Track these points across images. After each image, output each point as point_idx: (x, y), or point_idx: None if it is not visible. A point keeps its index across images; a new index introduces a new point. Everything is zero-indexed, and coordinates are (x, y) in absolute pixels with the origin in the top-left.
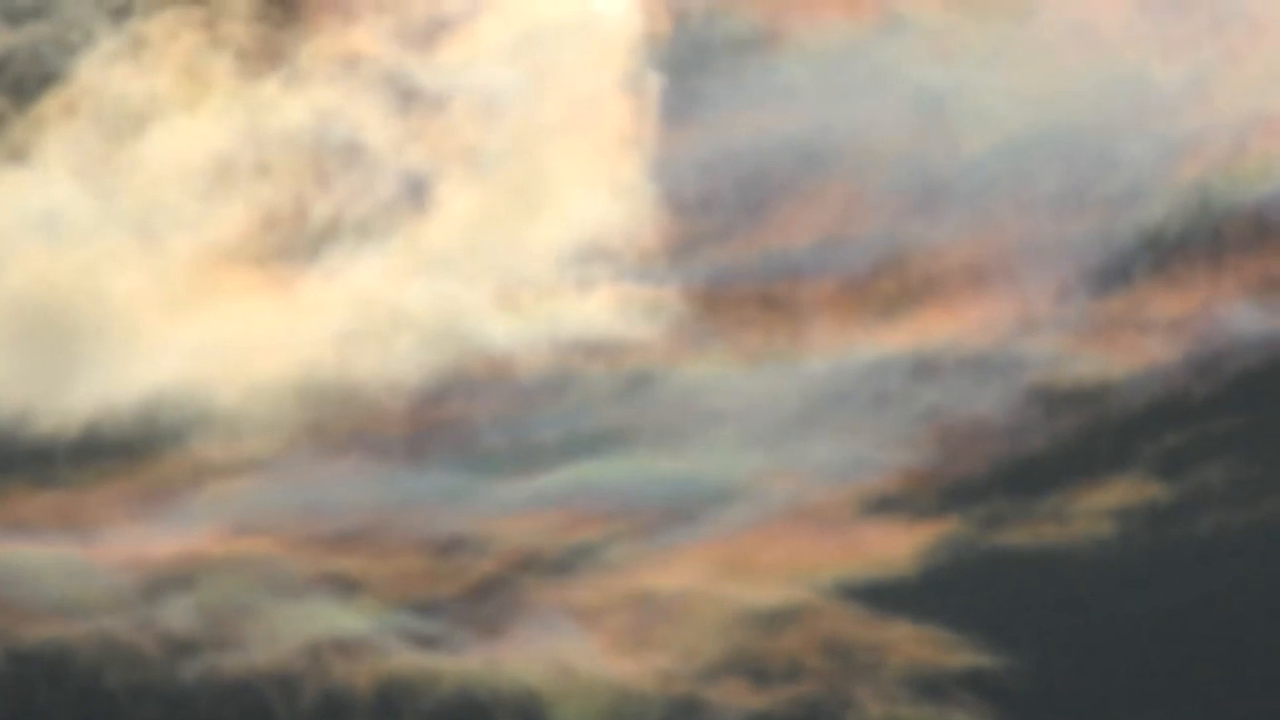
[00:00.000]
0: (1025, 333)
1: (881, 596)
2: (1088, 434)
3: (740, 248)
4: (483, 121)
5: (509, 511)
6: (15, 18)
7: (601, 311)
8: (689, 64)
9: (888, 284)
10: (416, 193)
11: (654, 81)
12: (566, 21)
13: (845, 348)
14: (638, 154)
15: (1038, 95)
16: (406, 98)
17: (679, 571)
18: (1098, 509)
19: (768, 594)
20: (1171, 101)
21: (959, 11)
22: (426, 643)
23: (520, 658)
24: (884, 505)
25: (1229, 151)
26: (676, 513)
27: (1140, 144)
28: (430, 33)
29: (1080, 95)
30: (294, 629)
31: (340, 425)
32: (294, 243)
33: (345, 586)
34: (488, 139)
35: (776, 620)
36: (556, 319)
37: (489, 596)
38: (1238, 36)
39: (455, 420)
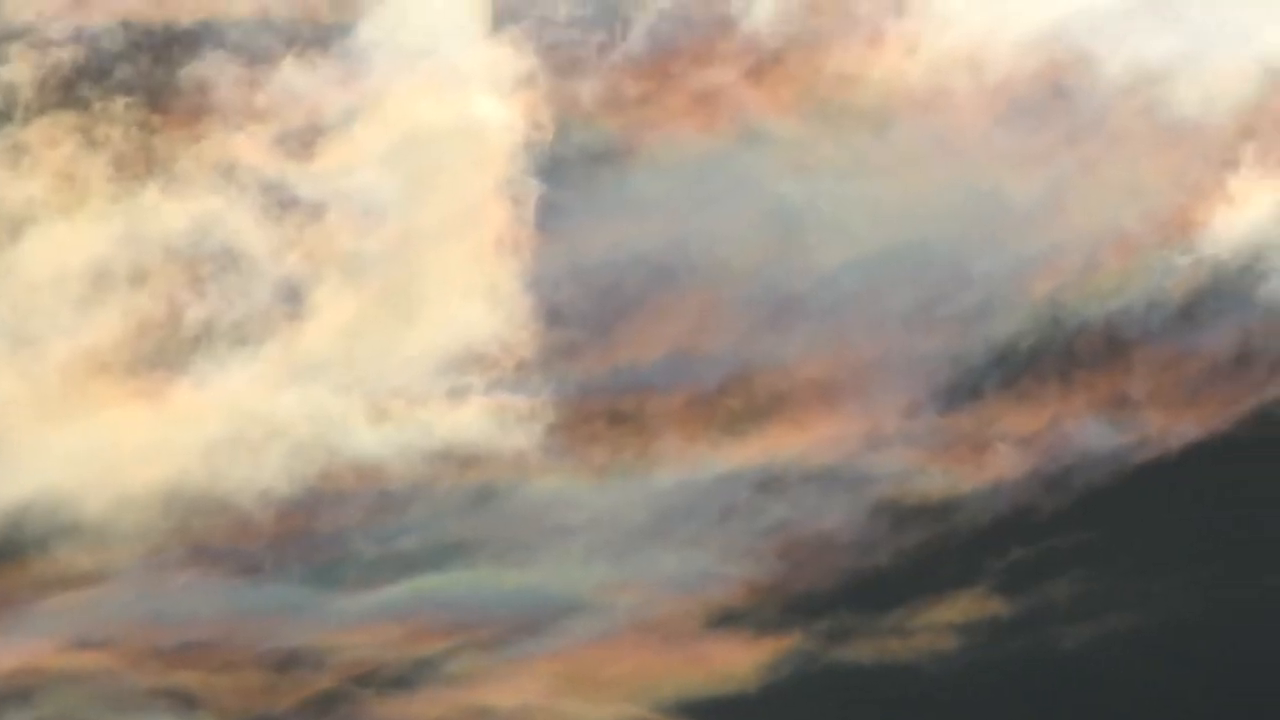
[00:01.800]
0: (873, 448)
1: (724, 713)
2: (933, 549)
3: (592, 362)
4: (360, 228)
5: (351, 624)
6: None
7: (470, 422)
8: (569, 172)
9: (737, 399)
10: (292, 300)
11: (533, 189)
12: (446, 128)
13: (693, 462)
14: (515, 263)
15: (893, 209)
16: (284, 205)
17: (521, 686)
18: (942, 624)
19: (609, 711)
20: (1026, 216)
21: (816, 124)
22: None
23: None
24: (729, 619)
25: (1082, 267)
26: (520, 626)
27: (993, 259)
28: (309, 140)
29: (935, 209)
30: None
31: (204, 536)
32: (168, 351)
33: (184, 701)
34: (364, 246)
35: None
36: (427, 429)
37: (327, 711)
38: (1094, 150)
39: (312, 531)
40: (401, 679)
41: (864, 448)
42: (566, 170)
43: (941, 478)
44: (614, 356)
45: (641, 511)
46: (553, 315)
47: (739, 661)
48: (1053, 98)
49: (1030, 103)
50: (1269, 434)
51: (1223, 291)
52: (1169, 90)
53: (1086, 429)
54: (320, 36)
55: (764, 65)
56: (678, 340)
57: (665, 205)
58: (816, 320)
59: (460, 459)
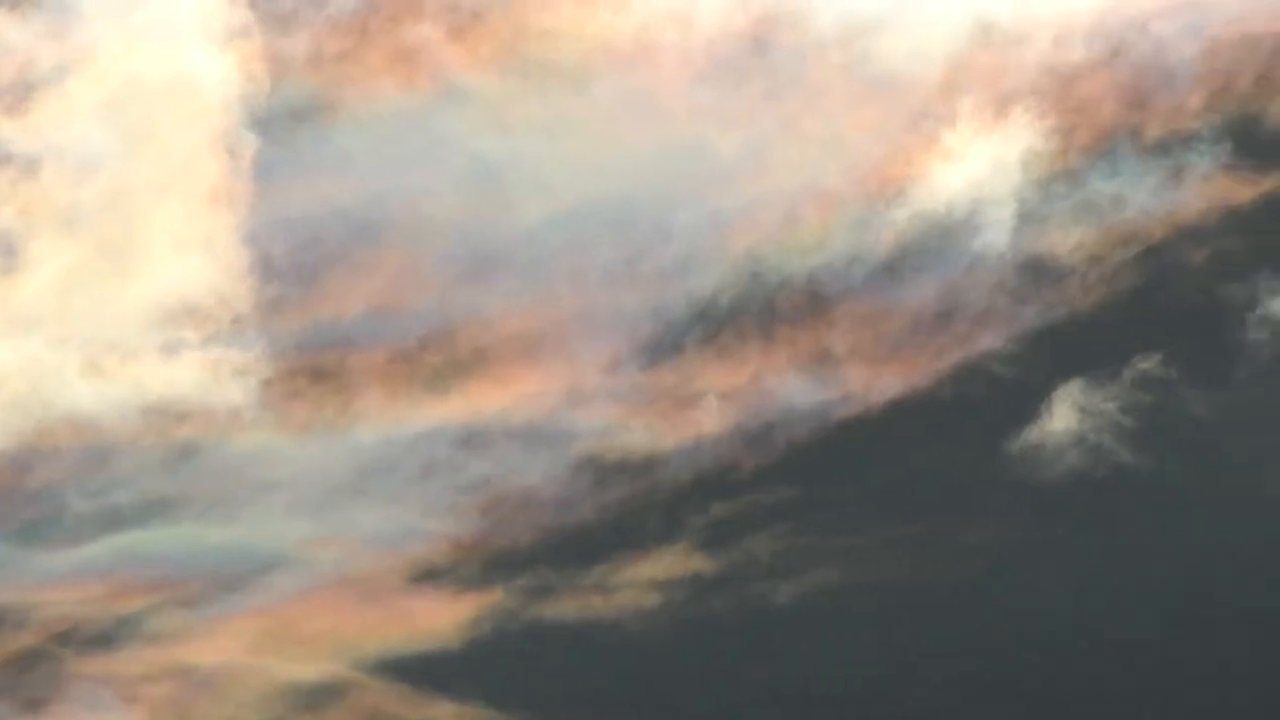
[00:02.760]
0: (575, 404)
1: (426, 670)
2: (636, 505)
3: (293, 318)
4: (74, 182)
5: (54, 581)
6: None
7: (184, 377)
8: (279, 128)
9: (438, 355)
10: (6, 254)
11: (249, 143)
12: (161, 82)
13: (395, 418)
14: (228, 217)
15: (594, 165)
16: None
17: (223, 643)
18: (644, 580)
19: (311, 668)
20: (726, 172)
21: (516, 81)
22: None
23: None
24: (430, 575)
25: (782, 223)
26: (223, 583)
27: (694, 215)
28: (21, 94)
29: (636, 166)
30: None
31: None
32: None
33: None
34: (79, 199)
35: (318, 696)
36: (141, 384)
37: (29, 669)
38: (794, 107)
39: (21, 487)
40: (103, 637)
41: (566, 404)
42: (277, 125)
43: (643, 434)
44: (315, 313)
45: (344, 468)
46: (260, 270)
47: (441, 618)
48: (754, 54)
49: (732, 59)
50: (970, 390)
51: (925, 247)
52: (878, 45)
53: (788, 385)
54: None
55: (464, 22)
56: (379, 296)
57: (366, 162)
58: (518, 276)
59: (174, 414)
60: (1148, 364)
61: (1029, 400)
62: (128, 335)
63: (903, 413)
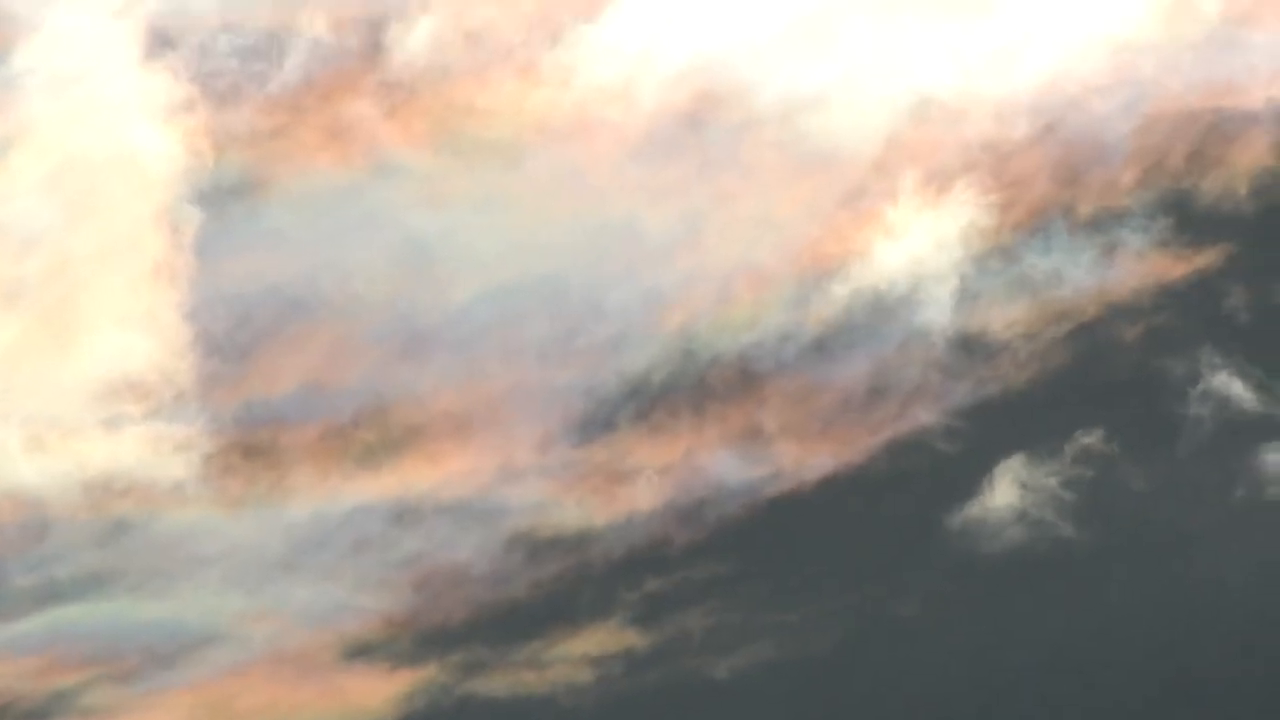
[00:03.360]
0: (508, 480)
1: None
2: (568, 581)
3: (227, 394)
4: (16, 255)
5: None
6: None
7: (123, 452)
8: (221, 203)
9: (371, 432)
10: None
11: (190, 218)
12: (105, 155)
13: (328, 494)
14: (169, 292)
15: (527, 242)
16: None
17: (157, 719)
18: (577, 656)
19: None
20: (660, 250)
21: (449, 157)
22: None
23: None
24: (364, 651)
25: (715, 300)
26: (157, 658)
27: (627, 292)
28: None
29: (569, 242)
30: None
31: None
32: None
33: None
34: (21, 273)
35: None
36: (81, 459)
37: None
38: (727, 184)
39: None
40: (37, 712)
41: (499, 480)
42: (213, 201)
43: (576, 510)
44: (248, 389)
45: (277, 543)
46: (196, 345)
47: (374, 694)
48: (689, 131)
49: (666, 136)
50: (907, 466)
51: (857, 324)
52: (812, 122)
53: (719, 461)
54: None
55: (398, 99)
56: (313, 372)
57: (300, 238)
58: (450, 353)
59: (112, 489)
60: (1089, 439)
61: (969, 475)
62: (68, 410)
63: (837, 488)
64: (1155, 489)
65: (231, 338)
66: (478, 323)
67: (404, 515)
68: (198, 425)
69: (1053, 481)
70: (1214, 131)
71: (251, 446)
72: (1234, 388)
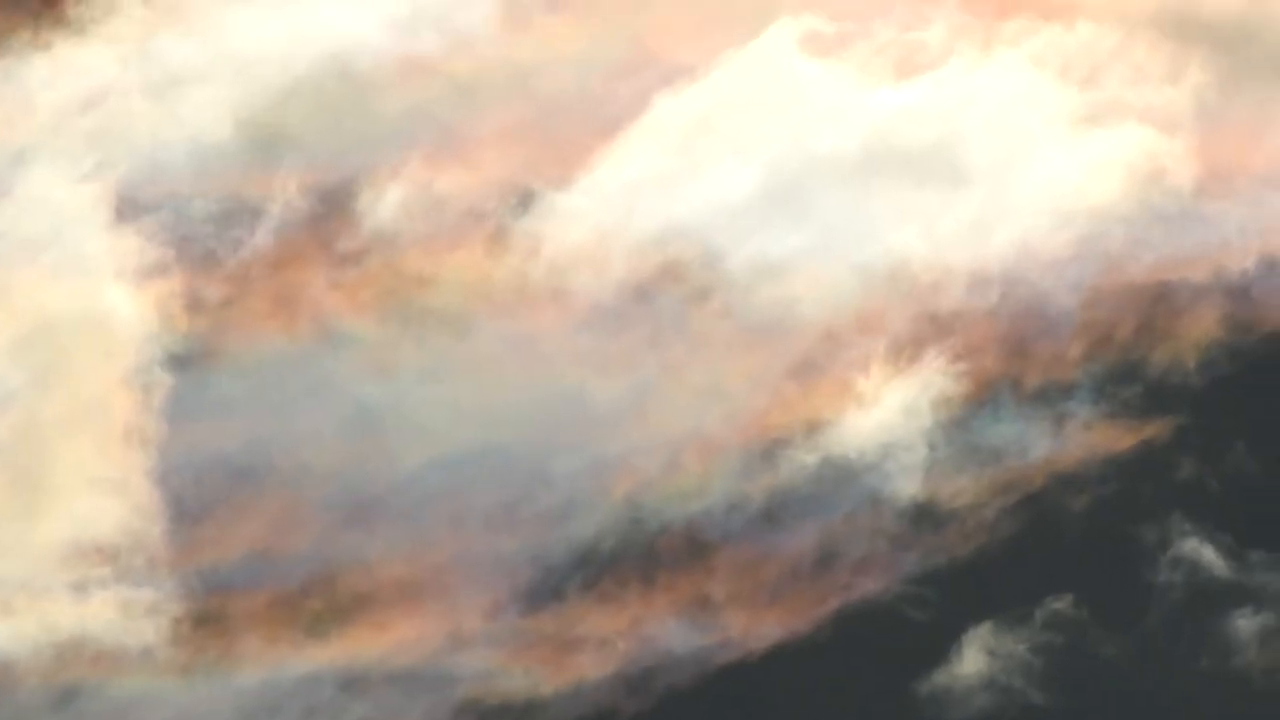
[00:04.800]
0: (456, 648)
1: None
2: None
3: (175, 562)
4: None
5: None
6: None
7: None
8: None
9: (319, 599)
10: None
11: (163, 381)
12: (74, 317)
13: (276, 662)
14: (141, 455)
15: (475, 410)
16: None
17: None
18: None
19: None
20: (608, 418)
21: (397, 326)
22: None
23: None
24: None
25: (663, 469)
26: None
27: (575, 460)
28: None
29: (517, 411)
30: None
31: None
32: None
33: None
34: None
35: None
36: (52, 624)
37: None
38: (676, 353)
39: None
40: None
41: (446, 648)
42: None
43: (524, 678)
44: (197, 556)
45: (225, 711)
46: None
47: None
48: (637, 301)
49: (615, 306)
50: (849, 635)
51: (804, 493)
52: (757, 294)
53: (668, 630)
54: None
55: (345, 268)
56: (260, 540)
57: (246, 406)
58: (398, 521)
59: (56, 657)
60: (1059, 604)
61: (936, 642)
62: (38, 574)
63: (782, 657)
64: (1126, 655)
65: (180, 506)
66: (425, 491)
67: (352, 683)
68: (150, 592)
69: (1022, 648)
70: (1162, 303)
71: (202, 614)
72: (1204, 554)
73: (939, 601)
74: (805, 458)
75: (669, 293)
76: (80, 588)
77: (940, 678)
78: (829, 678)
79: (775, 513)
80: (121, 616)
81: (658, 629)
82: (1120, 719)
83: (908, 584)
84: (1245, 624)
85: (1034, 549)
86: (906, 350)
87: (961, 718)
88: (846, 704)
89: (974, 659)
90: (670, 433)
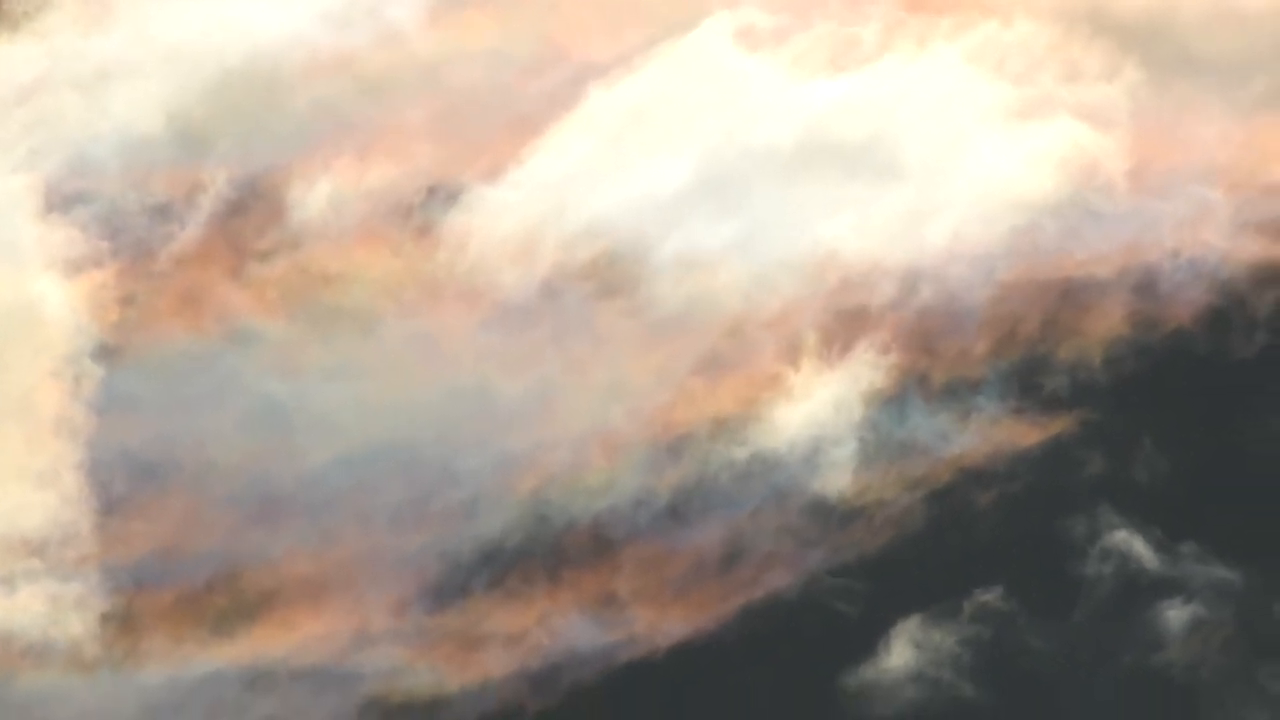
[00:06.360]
0: (362, 646)
1: None
2: None
3: (85, 557)
4: None
5: None
6: None
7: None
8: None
9: (224, 597)
10: None
11: (93, 373)
12: (3, 308)
13: (182, 659)
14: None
15: (380, 408)
16: None
17: None
18: None
19: None
20: (512, 415)
21: (302, 324)
22: None
23: None
24: None
25: (568, 466)
26: None
27: (480, 457)
28: None
29: (423, 409)
30: None
31: None
32: None
33: None
34: None
35: None
36: None
37: None
38: (580, 351)
39: None
40: None
41: (352, 646)
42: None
43: (429, 675)
44: (102, 553)
45: (131, 708)
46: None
47: None
48: (542, 299)
49: (520, 303)
50: (755, 632)
51: (711, 490)
52: (660, 289)
53: (573, 626)
54: None
55: (260, 263)
56: (165, 538)
57: (151, 402)
58: (304, 518)
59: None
60: (988, 597)
61: (863, 636)
62: None
63: (688, 654)
64: (1054, 647)
65: (92, 500)
66: (331, 489)
67: (258, 681)
68: (77, 586)
69: (950, 641)
70: (1069, 299)
71: (106, 611)
72: (1134, 546)
73: (866, 595)
74: (714, 453)
75: (579, 289)
76: (8, 581)
77: (868, 672)
78: (743, 673)
79: (682, 509)
80: (50, 610)
81: (563, 625)
82: (1050, 711)
83: (834, 577)
84: (1175, 615)
85: (961, 542)
86: (825, 344)
87: (889, 712)
88: (766, 699)
89: (902, 652)
90: (575, 429)
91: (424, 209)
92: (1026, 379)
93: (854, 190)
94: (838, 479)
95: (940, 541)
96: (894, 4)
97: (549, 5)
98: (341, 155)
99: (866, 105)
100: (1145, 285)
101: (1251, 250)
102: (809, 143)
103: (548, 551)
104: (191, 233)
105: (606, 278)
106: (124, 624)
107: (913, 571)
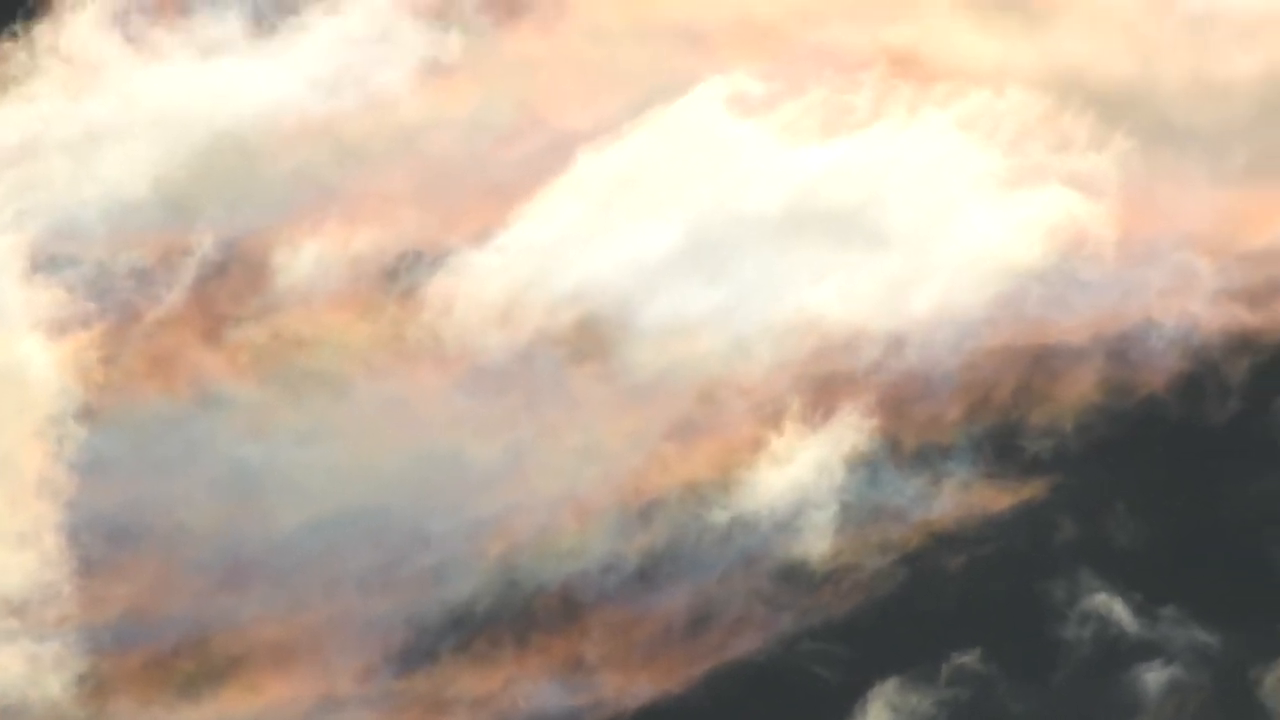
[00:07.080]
0: (329, 710)
1: None
2: None
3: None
4: None
5: None
6: None
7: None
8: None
9: (192, 661)
10: None
11: (76, 434)
12: None
13: None
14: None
15: (350, 472)
16: None
17: None
18: None
19: None
20: (483, 480)
21: (274, 388)
22: None
23: None
24: None
25: (539, 530)
26: None
27: (450, 521)
28: None
29: (393, 473)
30: None
31: None
32: None
33: None
34: None
35: None
36: None
37: None
38: (552, 416)
39: None
40: None
41: (319, 711)
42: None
43: None
44: (78, 615)
45: None
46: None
47: None
48: (517, 363)
49: (492, 368)
50: (724, 696)
51: (679, 554)
52: (635, 356)
53: (541, 691)
54: None
55: (222, 329)
56: (133, 601)
57: (123, 466)
58: (272, 583)
59: None
60: (966, 659)
61: (840, 700)
62: None
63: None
64: (1033, 710)
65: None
66: (300, 552)
67: None
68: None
69: (927, 704)
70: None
71: (82, 673)
72: (1114, 609)
73: (843, 658)
74: (685, 518)
75: (555, 353)
76: None
77: None
78: None
79: (651, 573)
80: (28, 672)
81: (531, 689)
82: None
83: (812, 640)
84: (1153, 677)
85: (937, 605)
86: (806, 408)
87: None
88: None
89: (879, 715)
90: (546, 494)
91: (408, 273)
92: (999, 443)
93: (841, 256)
94: (817, 542)
95: (917, 605)
96: (886, 71)
97: (534, 72)
98: (326, 220)
99: (857, 171)
100: (1119, 351)
101: (1225, 317)
102: (798, 209)
103: (516, 615)
104: (176, 296)
105: (584, 342)
106: (95, 686)
107: (890, 635)
